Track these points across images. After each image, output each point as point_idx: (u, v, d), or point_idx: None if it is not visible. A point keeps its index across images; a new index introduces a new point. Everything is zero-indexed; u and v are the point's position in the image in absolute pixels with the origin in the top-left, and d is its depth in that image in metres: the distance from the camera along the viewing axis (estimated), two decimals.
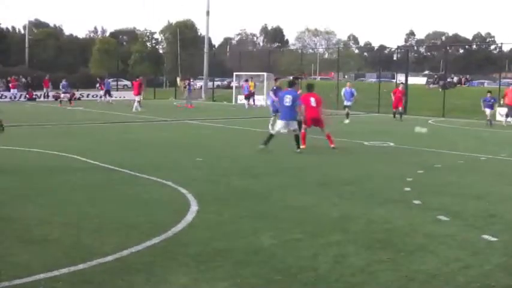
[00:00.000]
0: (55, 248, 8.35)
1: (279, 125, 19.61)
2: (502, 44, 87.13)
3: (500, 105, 36.43)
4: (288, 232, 9.38)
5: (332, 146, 20.07)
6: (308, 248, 8.51)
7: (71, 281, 7.08)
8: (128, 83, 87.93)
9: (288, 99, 19.26)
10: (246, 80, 53.44)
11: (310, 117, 20.24)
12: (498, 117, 36.30)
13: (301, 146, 19.48)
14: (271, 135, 19.52)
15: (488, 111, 34.27)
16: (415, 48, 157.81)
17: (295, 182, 14.12)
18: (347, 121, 33.92)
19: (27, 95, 57.89)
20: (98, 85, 61.74)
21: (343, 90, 36.48)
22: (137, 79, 45.55)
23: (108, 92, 54.55)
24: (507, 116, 34.65)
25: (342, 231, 9.56)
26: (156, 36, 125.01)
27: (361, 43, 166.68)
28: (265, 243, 8.74)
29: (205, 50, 70.79)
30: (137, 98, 42.50)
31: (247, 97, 50.77)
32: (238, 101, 55.82)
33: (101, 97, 56.01)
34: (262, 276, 7.34)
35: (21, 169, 15.13)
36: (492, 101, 34.93)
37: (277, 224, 9.96)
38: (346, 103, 35.57)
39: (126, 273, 7.31)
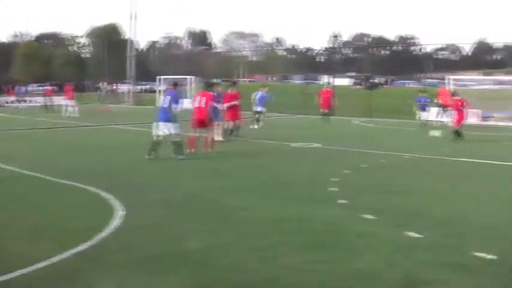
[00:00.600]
0: None
1: (155, 127, 18.26)
2: (425, 45, 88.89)
3: (434, 105, 36.54)
4: (220, 235, 9.36)
5: (204, 151, 19.31)
6: (240, 251, 8.51)
7: None
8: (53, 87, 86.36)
9: (166, 100, 18.32)
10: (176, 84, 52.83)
11: (196, 119, 19.86)
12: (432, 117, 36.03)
13: (190, 150, 18.93)
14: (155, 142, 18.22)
15: (422, 114, 33.86)
16: (341, 50, 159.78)
17: (224, 185, 14.06)
18: (256, 126, 29.64)
19: None
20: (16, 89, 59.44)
21: (253, 95, 31.00)
22: (69, 84, 45.11)
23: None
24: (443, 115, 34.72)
25: (273, 232, 9.57)
26: (80, 40, 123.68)
27: (287, 45, 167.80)
28: (194, 247, 8.67)
29: (129, 53, 70.11)
30: (71, 103, 42.30)
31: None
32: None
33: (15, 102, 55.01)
34: (192, 280, 7.29)
35: None
36: (427, 101, 34.75)
37: (207, 227, 9.91)
38: (257, 108, 30.16)
39: (53, 281, 7.18)
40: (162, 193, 12.88)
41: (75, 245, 8.56)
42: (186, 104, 20.35)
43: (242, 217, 10.70)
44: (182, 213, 10.97)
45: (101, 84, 74.74)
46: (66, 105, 42.35)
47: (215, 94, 21.27)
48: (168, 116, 18.01)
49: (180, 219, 10.49)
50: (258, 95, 30.41)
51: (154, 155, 17.93)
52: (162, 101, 18.88)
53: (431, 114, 35.28)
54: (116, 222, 10.04)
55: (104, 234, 9.27)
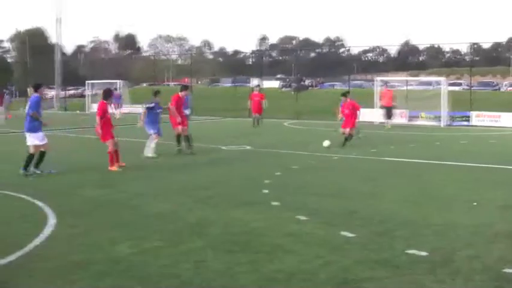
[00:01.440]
0: None
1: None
2: (352, 47, 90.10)
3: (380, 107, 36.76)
4: (147, 240, 9.24)
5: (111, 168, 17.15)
6: (168, 255, 8.41)
7: None
8: None
9: (27, 107, 16.44)
10: (115, 89, 51.79)
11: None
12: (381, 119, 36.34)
13: (112, 168, 17.11)
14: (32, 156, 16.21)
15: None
16: (268, 52, 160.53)
17: (151, 189, 13.91)
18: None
19: None
20: None
21: None
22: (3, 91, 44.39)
23: None
24: (388, 117, 35.11)
25: (201, 236, 9.51)
26: (4, 44, 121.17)
27: (216, 48, 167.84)
28: (124, 253, 8.55)
29: (57, 58, 69.04)
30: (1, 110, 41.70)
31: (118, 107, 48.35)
32: (93, 110, 54.56)
33: None
34: (123, 286, 7.18)
35: None
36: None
37: (136, 232, 9.79)
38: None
39: None
40: (93, 200, 12.73)
41: (4, 255, 8.35)
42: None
43: (171, 221, 10.59)
44: (111, 220, 10.81)
45: (29, 89, 73.25)
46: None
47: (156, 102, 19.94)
48: (28, 125, 16.12)
49: (110, 225, 10.33)
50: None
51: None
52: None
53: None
54: (47, 230, 9.84)
55: (35, 243, 9.07)
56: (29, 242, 9.07)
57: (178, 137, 20.96)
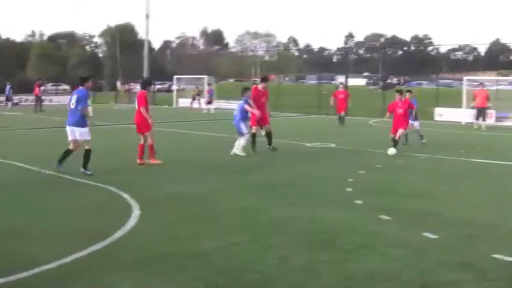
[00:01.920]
0: None
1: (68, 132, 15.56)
2: (440, 45, 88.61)
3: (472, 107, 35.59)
4: (229, 235, 9.38)
5: (139, 161, 17.04)
6: (250, 251, 8.52)
7: None
8: (68, 87, 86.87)
9: (73, 100, 15.46)
10: (209, 84, 52.12)
11: (136, 123, 17.50)
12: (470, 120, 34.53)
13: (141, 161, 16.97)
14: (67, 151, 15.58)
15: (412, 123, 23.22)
16: (355, 50, 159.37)
17: (235, 184, 14.11)
18: None
19: None
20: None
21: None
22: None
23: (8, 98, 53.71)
24: (477, 118, 33.29)
25: (283, 232, 9.58)
26: (95, 39, 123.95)
27: (301, 45, 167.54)
28: (206, 247, 8.70)
29: (145, 53, 70.21)
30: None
31: (210, 102, 48.25)
32: (180, 105, 55.27)
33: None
34: (204, 279, 7.31)
35: None
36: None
37: (219, 227, 9.94)
38: None
39: (67, 280, 7.21)
40: (176, 194, 12.94)
41: (90, 244, 8.62)
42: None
43: (253, 217, 10.72)
44: (194, 213, 11.01)
45: (118, 83, 74.87)
46: None
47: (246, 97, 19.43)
48: (75, 118, 15.23)
49: (193, 219, 10.53)
50: None
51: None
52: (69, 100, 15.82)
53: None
54: (131, 221, 10.10)
55: (119, 233, 9.33)
56: (114, 232, 9.34)
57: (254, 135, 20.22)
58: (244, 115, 19.32)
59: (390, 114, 21.39)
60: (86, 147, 15.22)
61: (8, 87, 54.14)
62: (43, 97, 52.59)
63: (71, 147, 15.41)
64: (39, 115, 41.79)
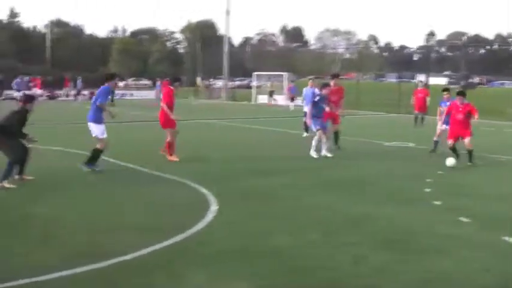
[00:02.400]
0: (74, 247, 8.42)
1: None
2: None
3: None
4: (304, 232, 9.39)
5: (163, 153, 17.04)
6: (326, 248, 8.52)
7: (90, 278, 7.14)
8: (148, 82, 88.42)
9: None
10: (292, 81, 52.11)
11: (159, 119, 17.32)
12: None
13: (171, 158, 16.79)
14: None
15: (444, 127, 19.15)
16: (436, 48, 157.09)
17: (312, 181, 14.09)
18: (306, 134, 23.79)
19: (48, 94, 57.79)
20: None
21: (304, 91, 26.65)
22: (166, 79, 45.60)
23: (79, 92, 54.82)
24: None
25: (359, 231, 9.56)
26: (176, 35, 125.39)
27: (382, 43, 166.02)
28: (283, 243, 8.74)
29: (225, 49, 70.68)
30: None
31: (292, 98, 47.14)
32: (259, 101, 55.52)
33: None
34: (280, 275, 7.35)
35: (42, 167, 15.01)
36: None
37: (295, 223, 9.97)
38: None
39: (145, 272, 7.35)
40: (253, 189, 13.02)
41: (168, 237, 8.77)
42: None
43: (329, 214, 10.68)
44: (271, 209, 11.07)
45: (198, 79, 75.79)
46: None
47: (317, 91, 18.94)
48: (92, 116, 14.77)
49: (270, 215, 10.59)
50: (308, 91, 24.18)
51: None
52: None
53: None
54: (209, 216, 10.22)
55: (197, 227, 9.47)
56: (191, 226, 9.48)
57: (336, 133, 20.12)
58: (315, 111, 18.52)
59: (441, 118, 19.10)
60: (97, 146, 14.75)
61: (79, 81, 55.63)
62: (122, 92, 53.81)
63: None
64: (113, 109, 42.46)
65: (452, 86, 78.44)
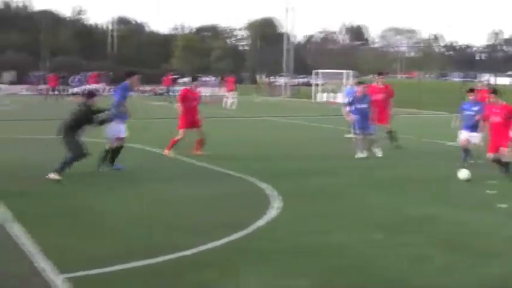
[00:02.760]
0: (129, 241, 8.51)
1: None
2: None
3: None
4: (368, 231, 9.33)
5: (197, 152, 16.71)
6: (387, 247, 8.46)
7: (144, 274, 7.21)
8: (208, 79, 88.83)
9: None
10: (357, 79, 51.90)
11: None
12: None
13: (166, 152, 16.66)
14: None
15: (465, 133, 16.46)
16: (502, 47, 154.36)
17: (373, 181, 14.01)
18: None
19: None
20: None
21: (346, 89, 26.19)
22: (230, 76, 45.64)
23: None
24: None
25: (420, 231, 9.45)
26: (237, 33, 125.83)
27: (445, 42, 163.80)
28: (345, 241, 8.71)
29: (286, 47, 70.57)
30: (233, 95, 42.38)
31: None
32: (318, 99, 55.26)
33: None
34: (342, 274, 7.35)
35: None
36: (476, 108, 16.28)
37: (357, 222, 9.93)
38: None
39: (200, 268, 7.41)
40: (314, 186, 12.94)
41: (228, 234, 8.78)
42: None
43: (391, 214, 10.61)
44: (334, 208, 11.03)
45: (257, 76, 76.00)
46: (227, 97, 42.87)
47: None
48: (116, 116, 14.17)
49: (332, 213, 10.56)
50: (350, 90, 24.55)
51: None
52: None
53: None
54: (271, 213, 10.25)
55: (258, 224, 9.50)
56: (253, 223, 9.50)
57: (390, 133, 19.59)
58: (357, 111, 17.78)
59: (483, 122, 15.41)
60: (106, 147, 14.29)
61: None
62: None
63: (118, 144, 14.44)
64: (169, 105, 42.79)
65: None
